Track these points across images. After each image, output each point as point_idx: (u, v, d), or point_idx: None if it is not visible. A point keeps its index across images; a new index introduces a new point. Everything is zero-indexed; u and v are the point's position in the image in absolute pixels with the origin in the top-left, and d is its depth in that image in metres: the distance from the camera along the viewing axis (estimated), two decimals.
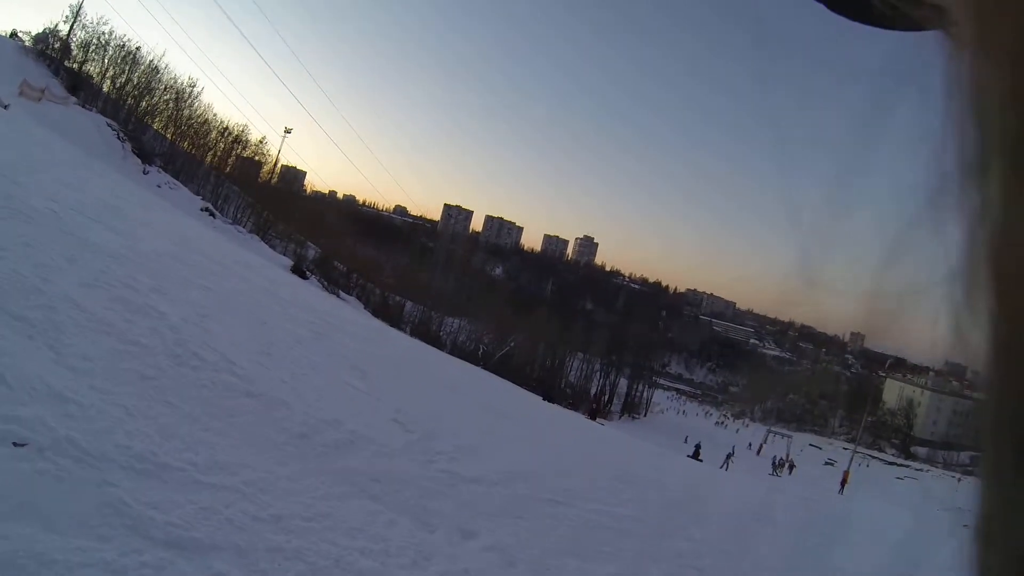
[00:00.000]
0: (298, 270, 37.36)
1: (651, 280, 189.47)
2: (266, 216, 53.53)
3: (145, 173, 36.49)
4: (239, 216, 49.45)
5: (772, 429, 76.79)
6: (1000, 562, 0.27)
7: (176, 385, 4.63)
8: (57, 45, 44.79)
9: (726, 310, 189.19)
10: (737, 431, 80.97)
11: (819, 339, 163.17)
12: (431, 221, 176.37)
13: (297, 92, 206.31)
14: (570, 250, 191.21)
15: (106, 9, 72.35)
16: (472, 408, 10.67)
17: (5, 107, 20.93)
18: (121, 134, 38.43)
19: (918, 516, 16.92)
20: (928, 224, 0.30)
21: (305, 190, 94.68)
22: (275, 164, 66.45)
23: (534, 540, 4.94)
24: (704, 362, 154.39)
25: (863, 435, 66.75)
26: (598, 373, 72.65)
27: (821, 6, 0.42)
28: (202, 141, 55.80)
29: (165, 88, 51.94)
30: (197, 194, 42.21)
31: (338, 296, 40.32)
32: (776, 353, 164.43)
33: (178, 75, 67.65)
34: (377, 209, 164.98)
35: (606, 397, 69.92)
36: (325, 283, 42.98)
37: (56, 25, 45.35)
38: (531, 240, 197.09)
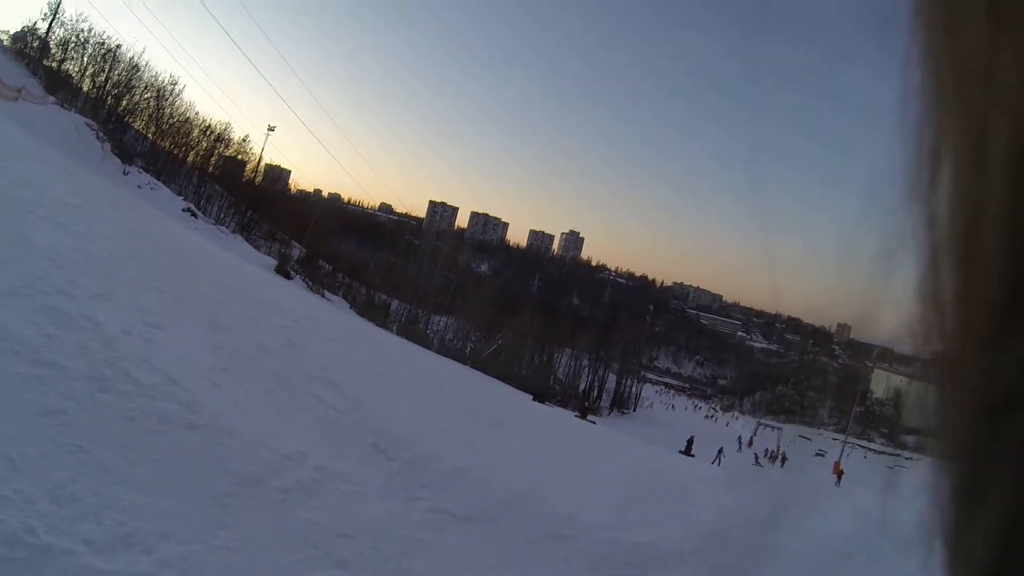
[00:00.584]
0: (282, 270, 36.38)
1: (637, 274, 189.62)
2: (250, 216, 52.39)
3: (125, 173, 35.28)
4: (222, 216, 48.31)
5: (762, 421, 76.73)
6: (984, 525, 0.28)
7: (91, 421, 3.72)
8: (36, 44, 43.56)
9: (712, 303, 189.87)
10: (727, 424, 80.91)
11: (806, 331, 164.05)
12: (417, 218, 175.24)
13: (281, 90, 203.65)
14: (556, 245, 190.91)
15: (85, 6, 70.06)
16: (462, 418, 9.79)
17: None
18: (100, 134, 37.15)
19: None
20: (895, 215, 0.32)
21: (290, 189, 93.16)
22: (258, 163, 65.17)
23: None
24: (692, 356, 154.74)
25: (852, 425, 66.75)
26: (587, 369, 72.07)
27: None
28: (184, 140, 54.59)
29: (146, 86, 50.77)
30: (179, 194, 41.06)
31: (323, 296, 39.30)
32: (763, 345, 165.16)
33: (159, 73, 66.57)
34: (362, 207, 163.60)
35: (595, 393, 69.41)
36: (310, 283, 41.92)
37: (35, 23, 44.18)
38: (517, 236, 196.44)
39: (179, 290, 7.63)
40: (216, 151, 58.85)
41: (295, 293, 22.70)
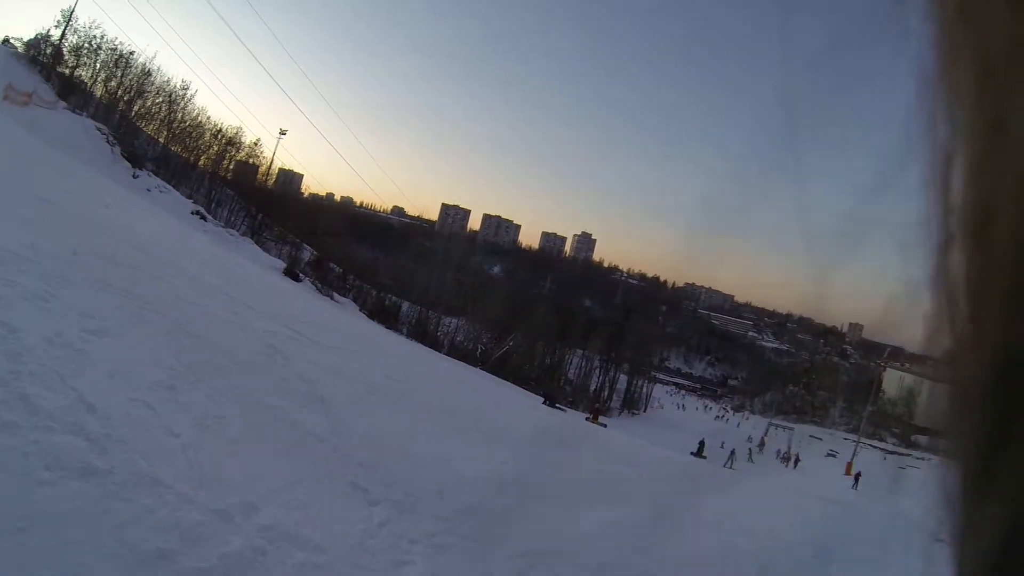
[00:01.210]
0: (291, 272, 36.70)
1: (649, 275, 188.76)
2: (260, 218, 52.87)
3: (135, 177, 35.83)
4: (232, 219, 48.82)
5: (773, 422, 76.16)
6: (993, 519, 0.28)
7: None
8: (49, 50, 44.23)
9: (724, 303, 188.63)
10: (738, 425, 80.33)
11: (817, 330, 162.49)
12: (429, 221, 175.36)
13: (293, 94, 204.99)
14: (568, 247, 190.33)
15: (98, 13, 71.03)
16: (468, 440, 8.51)
17: None
18: (111, 137, 37.73)
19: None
20: (911, 211, 0.32)
21: (302, 192, 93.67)
22: (270, 166, 65.80)
23: None
24: (703, 356, 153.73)
25: (864, 425, 66.15)
26: (597, 370, 72.01)
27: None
28: (195, 144, 55.24)
29: (158, 91, 51.76)
30: (189, 197, 41.57)
31: (332, 299, 39.61)
32: (775, 345, 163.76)
33: (171, 78, 67.33)
34: (375, 210, 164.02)
35: (606, 393, 69.35)
36: (319, 285, 42.27)
37: (48, 31, 44.89)
38: (529, 238, 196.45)
39: (145, 291, 6.85)
40: (228, 155, 59.73)
41: (300, 295, 21.90)
